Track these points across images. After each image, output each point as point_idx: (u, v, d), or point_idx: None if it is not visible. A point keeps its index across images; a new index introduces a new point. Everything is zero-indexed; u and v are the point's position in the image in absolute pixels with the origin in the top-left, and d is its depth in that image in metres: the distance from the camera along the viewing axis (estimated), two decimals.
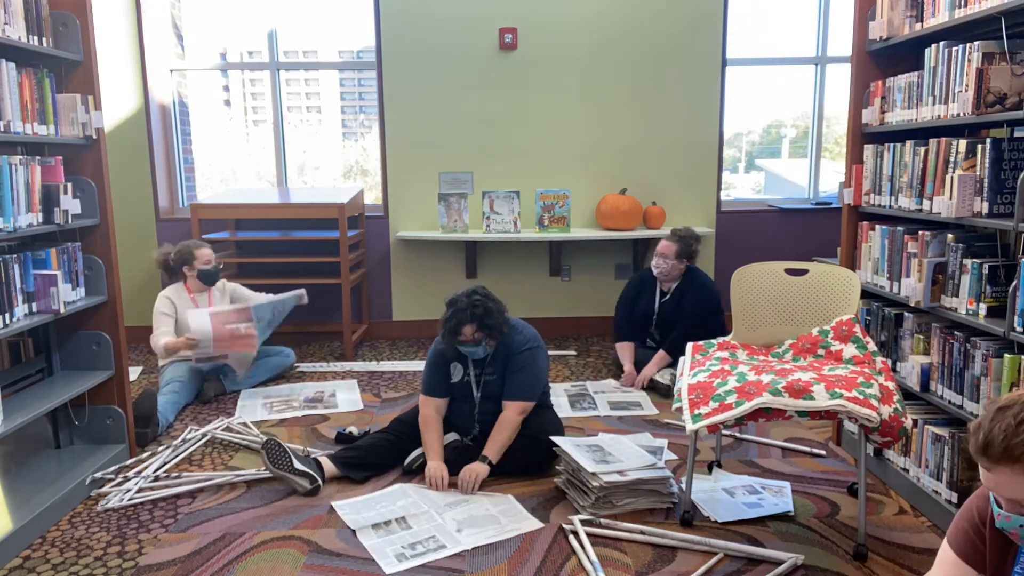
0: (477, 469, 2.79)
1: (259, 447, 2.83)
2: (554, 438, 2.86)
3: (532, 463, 2.91)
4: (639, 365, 4.10)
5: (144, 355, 4.83)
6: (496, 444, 2.85)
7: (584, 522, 2.48)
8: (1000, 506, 1.30)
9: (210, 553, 2.38)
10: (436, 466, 2.83)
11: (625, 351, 4.19)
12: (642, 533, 2.42)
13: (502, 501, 2.70)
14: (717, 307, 4.11)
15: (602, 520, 2.50)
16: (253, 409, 3.74)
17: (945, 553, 1.48)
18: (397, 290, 5.22)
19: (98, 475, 2.84)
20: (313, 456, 2.91)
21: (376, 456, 2.94)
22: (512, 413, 2.90)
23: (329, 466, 2.87)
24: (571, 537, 2.42)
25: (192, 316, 3.80)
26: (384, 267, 5.20)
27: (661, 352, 4.03)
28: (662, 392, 3.90)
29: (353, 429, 3.35)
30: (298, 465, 2.75)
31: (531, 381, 2.96)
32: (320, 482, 2.79)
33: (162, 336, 3.88)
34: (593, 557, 2.27)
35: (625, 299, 4.32)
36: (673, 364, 3.96)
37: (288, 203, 4.84)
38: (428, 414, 2.96)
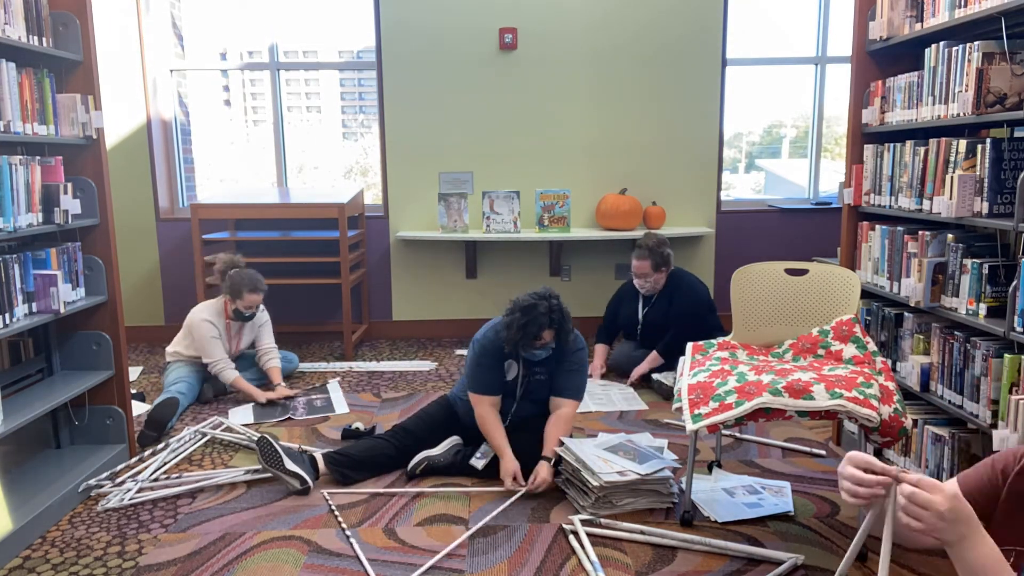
0: (545, 470, 2.75)
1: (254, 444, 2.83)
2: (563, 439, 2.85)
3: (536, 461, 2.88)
4: (632, 363, 4.12)
5: (144, 355, 4.83)
6: (555, 441, 2.84)
7: (584, 522, 2.48)
8: None
9: (210, 553, 2.38)
10: (515, 466, 2.79)
11: (598, 352, 4.29)
12: (642, 533, 2.42)
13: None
14: (708, 306, 4.11)
15: (602, 520, 2.50)
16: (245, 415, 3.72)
17: (951, 483, 1.36)
18: (397, 290, 5.22)
19: (92, 482, 2.82)
20: (309, 453, 2.91)
21: (368, 462, 2.91)
22: (571, 410, 2.94)
23: (322, 465, 2.88)
24: (571, 537, 2.42)
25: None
26: (384, 267, 5.20)
27: (653, 353, 4.04)
28: (663, 393, 3.90)
29: (360, 425, 3.35)
30: (288, 465, 2.75)
31: (584, 381, 3.00)
32: (311, 483, 2.78)
33: (229, 369, 3.86)
34: (593, 557, 2.27)
35: (609, 308, 4.39)
36: (668, 367, 3.96)
37: (288, 203, 4.84)
38: (485, 412, 2.92)
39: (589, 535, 2.40)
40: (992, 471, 1.35)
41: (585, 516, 2.52)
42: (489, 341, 2.95)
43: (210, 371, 3.88)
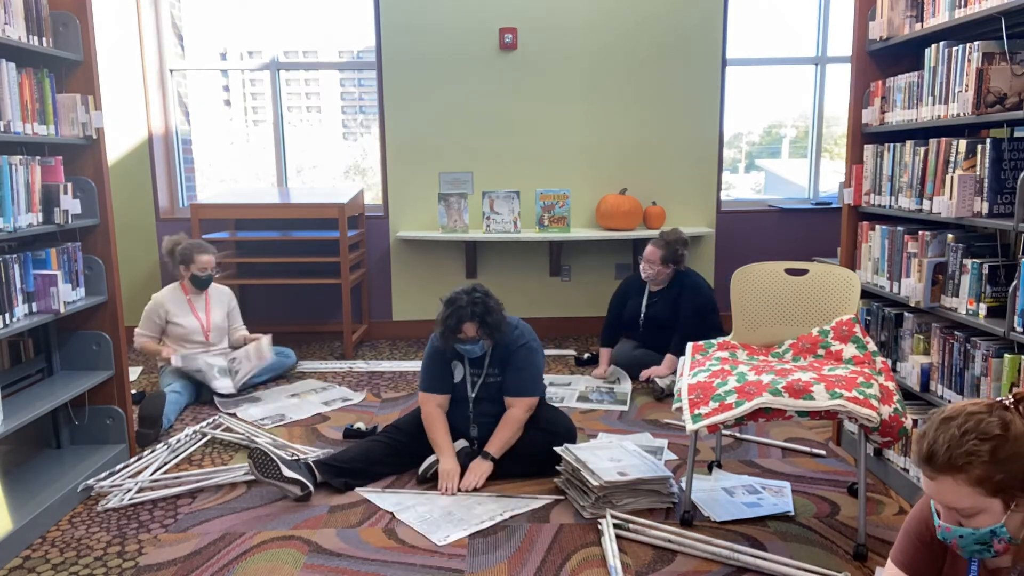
0: (481, 468, 2.79)
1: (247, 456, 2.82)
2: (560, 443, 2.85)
3: (545, 457, 2.85)
4: (633, 362, 4.13)
5: (144, 355, 4.82)
6: (500, 440, 2.85)
7: (616, 523, 2.46)
8: (939, 516, 1.33)
9: (210, 553, 2.38)
10: (454, 467, 2.80)
11: (602, 356, 4.23)
12: (642, 533, 2.42)
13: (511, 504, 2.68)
14: (712, 307, 4.10)
15: (629, 525, 2.49)
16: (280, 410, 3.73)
17: (891, 571, 1.48)
18: (397, 290, 5.22)
19: (91, 482, 2.81)
20: (304, 461, 2.86)
21: (359, 473, 2.85)
22: (519, 411, 2.89)
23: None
24: (603, 538, 2.39)
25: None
26: (384, 267, 5.20)
27: (669, 356, 3.98)
28: (655, 394, 3.88)
29: (361, 425, 3.35)
30: (287, 472, 2.72)
31: (533, 377, 2.95)
32: (311, 488, 2.75)
33: (140, 336, 3.99)
34: (617, 564, 2.26)
35: (613, 303, 4.33)
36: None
37: (288, 203, 4.84)
38: (431, 411, 2.94)
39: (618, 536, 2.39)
40: (918, 534, 1.44)
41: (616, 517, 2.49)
42: (436, 341, 2.97)
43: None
